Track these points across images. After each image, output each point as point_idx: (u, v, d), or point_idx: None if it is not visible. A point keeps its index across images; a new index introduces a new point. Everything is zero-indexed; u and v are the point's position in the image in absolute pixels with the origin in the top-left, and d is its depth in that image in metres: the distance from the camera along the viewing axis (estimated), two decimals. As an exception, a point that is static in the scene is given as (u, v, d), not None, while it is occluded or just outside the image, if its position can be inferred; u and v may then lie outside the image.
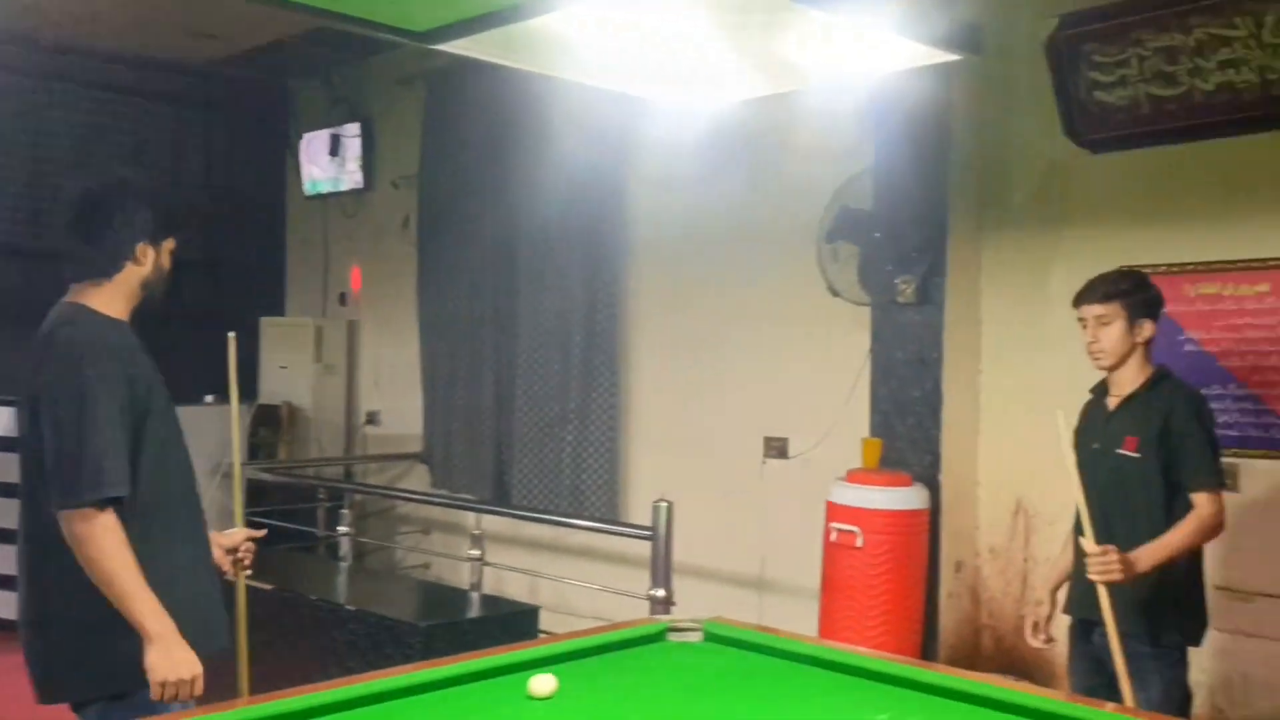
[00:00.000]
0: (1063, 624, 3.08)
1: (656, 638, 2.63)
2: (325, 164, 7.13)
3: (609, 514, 5.60)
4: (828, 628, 4.06)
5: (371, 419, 7.13)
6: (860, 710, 2.18)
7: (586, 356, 5.70)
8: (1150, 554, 2.67)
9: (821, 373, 4.79)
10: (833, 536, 4.08)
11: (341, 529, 5.16)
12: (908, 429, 4.33)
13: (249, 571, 2.75)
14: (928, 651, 4.11)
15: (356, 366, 7.26)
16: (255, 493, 5.92)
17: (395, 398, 6.95)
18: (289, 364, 7.08)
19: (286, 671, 4.12)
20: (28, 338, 2.42)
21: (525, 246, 5.96)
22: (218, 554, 2.61)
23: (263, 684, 4.30)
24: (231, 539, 2.69)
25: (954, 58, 3.19)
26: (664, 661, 2.52)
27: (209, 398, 6.43)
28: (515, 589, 5.64)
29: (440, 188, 6.44)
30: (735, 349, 5.21)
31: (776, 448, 5.01)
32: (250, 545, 2.70)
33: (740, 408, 5.16)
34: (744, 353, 5.17)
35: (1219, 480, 2.77)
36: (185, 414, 6.06)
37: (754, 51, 3.06)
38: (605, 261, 5.64)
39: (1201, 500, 2.73)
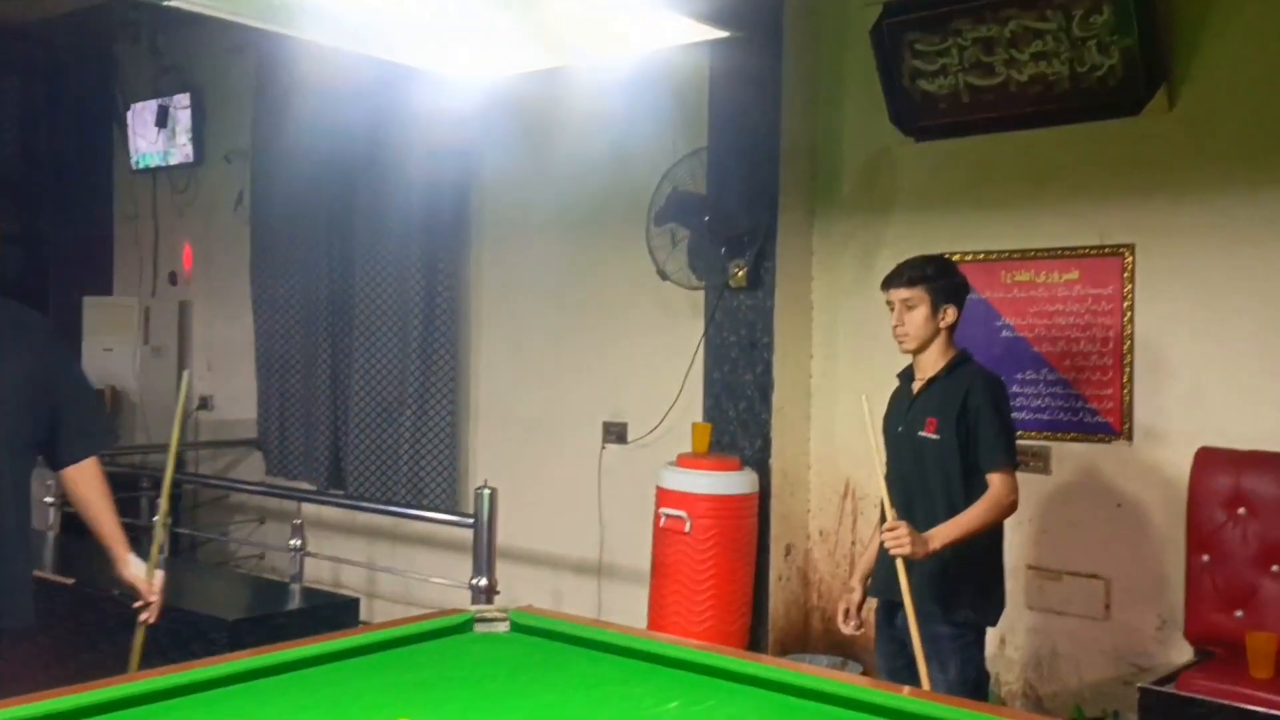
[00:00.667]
0: (873, 608, 3.11)
1: (463, 628, 2.55)
2: (153, 136, 6.76)
3: (448, 501, 5.47)
4: (657, 613, 4.04)
5: (205, 403, 6.81)
6: (654, 697, 2.14)
7: (425, 339, 5.54)
8: (943, 532, 2.71)
9: (659, 357, 4.76)
10: (662, 522, 4.05)
11: (155, 519, 4.87)
12: (739, 413, 4.34)
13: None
14: (757, 634, 4.13)
15: (188, 349, 6.93)
16: (70, 482, 5.57)
17: (229, 381, 6.66)
18: (113, 346, 6.71)
19: (85, 670, 3.89)
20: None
21: (361, 226, 5.76)
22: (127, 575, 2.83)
23: (61, 684, 4.06)
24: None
25: (720, 34, 3.21)
26: (466, 652, 2.44)
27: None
28: (352, 580, 5.48)
29: (273, 163, 6.16)
30: (574, 333, 5.14)
31: (616, 432, 4.97)
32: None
33: (580, 392, 5.10)
34: (583, 337, 5.10)
35: (1012, 461, 2.83)
36: None
37: (526, 24, 3.02)
38: (444, 241, 5.49)
39: (995, 480, 2.78)
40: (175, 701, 2.01)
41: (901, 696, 2.10)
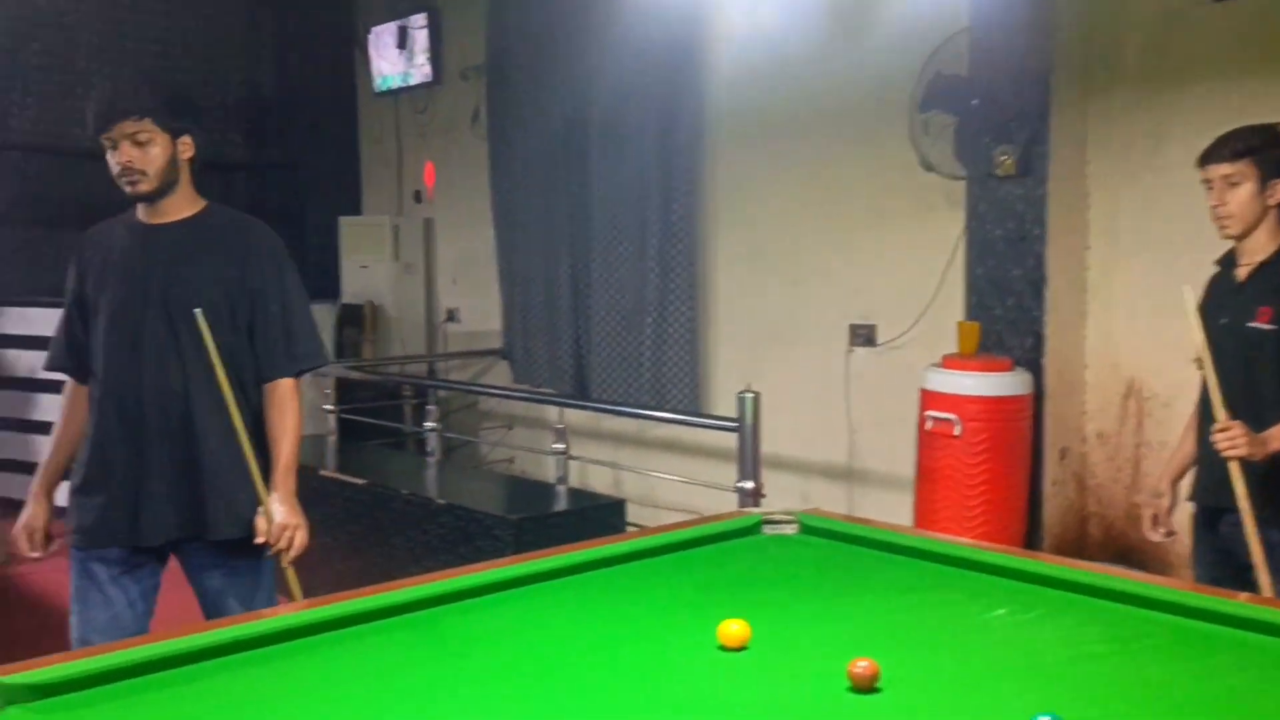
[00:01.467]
0: (1184, 514, 2.87)
1: (751, 531, 2.50)
2: (394, 58, 6.94)
3: (690, 406, 5.46)
4: (925, 519, 3.90)
5: (451, 316, 7.06)
6: (977, 603, 2.02)
7: (664, 244, 5.50)
8: (1280, 433, 2.44)
9: (911, 255, 4.53)
10: (928, 425, 3.89)
11: (429, 425, 5.12)
12: (1007, 310, 4.08)
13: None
14: (1032, 541, 3.93)
15: (434, 264, 7.17)
16: (343, 390, 5.92)
17: (474, 294, 6.86)
18: (368, 263, 7.02)
19: (381, 565, 4.15)
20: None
21: (597, 133, 5.73)
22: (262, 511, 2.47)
23: (359, 577, 4.33)
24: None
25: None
26: (761, 555, 2.39)
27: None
28: (599, 483, 5.59)
29: (509, 77, 6.20)
30: (817, 234, 4.96)
31: (863, 335, 4.80)
32: (290, 534, 2.47)
33: (824, 295, 4.94)
34: (826, 237, 4.92)
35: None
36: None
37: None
38: (680, 143, 5.39)
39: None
40: (468, 603, 2.02)
41: (1251, 605, 1.91)
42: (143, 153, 2.40)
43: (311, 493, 4.55)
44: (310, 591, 2.33)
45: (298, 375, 2.54)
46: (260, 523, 2.42)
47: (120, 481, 2.47)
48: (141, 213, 2.51)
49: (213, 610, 2.52)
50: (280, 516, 2.43)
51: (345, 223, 7.20)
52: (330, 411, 5.58)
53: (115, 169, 2.42)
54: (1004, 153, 3.92)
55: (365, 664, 1.77)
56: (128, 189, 2.43)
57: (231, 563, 2.52)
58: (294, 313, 2.52)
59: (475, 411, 6.84)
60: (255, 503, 2.45)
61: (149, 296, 2.43)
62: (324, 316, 6.27)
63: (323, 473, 4.61)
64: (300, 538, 2.46)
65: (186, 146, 2.47)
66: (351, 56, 7.47)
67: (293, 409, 2.52)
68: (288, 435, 2.49)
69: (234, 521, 2.48)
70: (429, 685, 1.68)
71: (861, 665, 1.59)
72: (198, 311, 2.39)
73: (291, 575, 2.48)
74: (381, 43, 7.01)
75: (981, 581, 2.13)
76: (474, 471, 5.58)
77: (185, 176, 2.49)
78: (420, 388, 6.08)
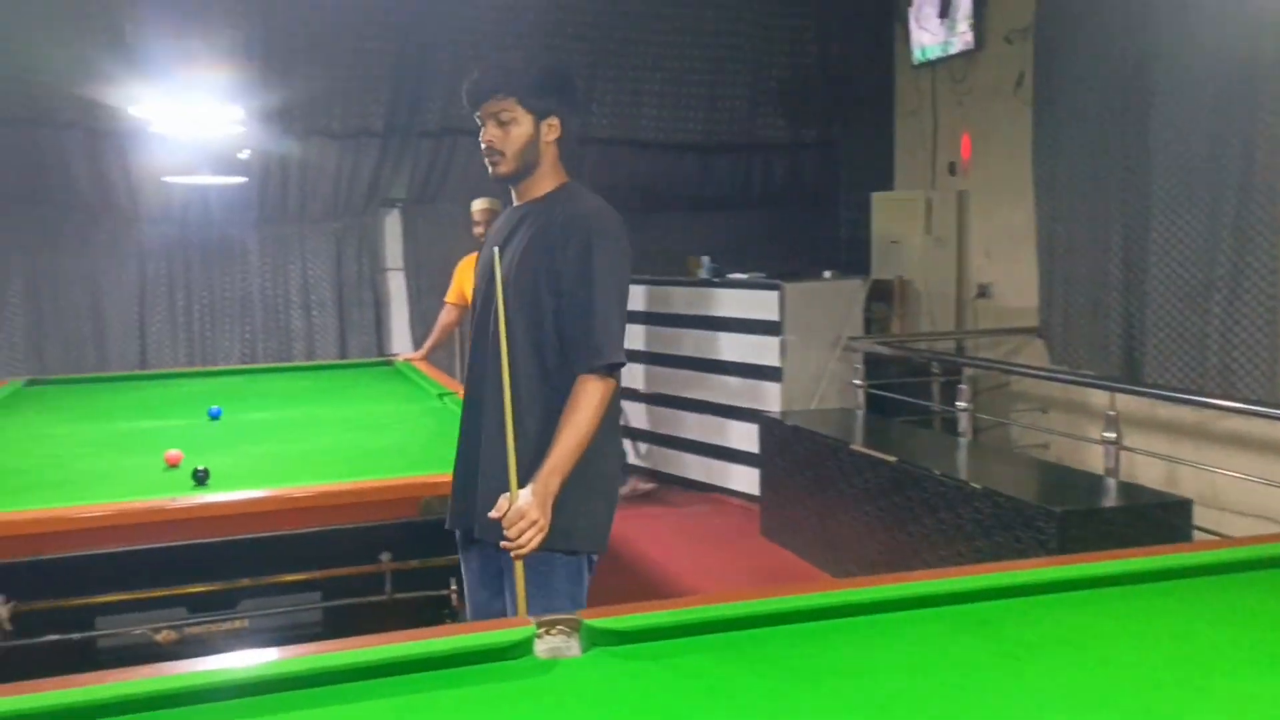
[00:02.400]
0: None
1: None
2: (935, 27, 6.79)
3: (1266, 395, 4.74)
4: None
5: (983, 292, 6.80)
6: None
7: (1240, 211, 4.81)
8: None
9: None
10: None
11: (960, 404, 4.98)
12: None
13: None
14: None
15: (966, 238, 6.94)
16: (871, 366, 5.96)
17: (1007, 269, 6.54)
18: (899, 238, 6.98)
19: (909, 545, 4.12)
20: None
21: (1162, 85, 5.14)
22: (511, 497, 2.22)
23: (885, 556, 4.33)
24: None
25: None
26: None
27: (827, 274, 6.58)
28: (1149, 477, 5.06)
29: (1060, 36, 5.78)
30: None
31: None
32: (524, 525, 2.16)
33: None
34: None
35: None
36: (805, 290, 6.21)
37: None
38: (1267, 93, 4.65)
39: None
40: (1015, 601, 1.89)
41: None
42: (504, 133, 2.33)
43: (839, 467, 4.69)
44: (838, 568, 2.31)
45: (592, 372, 2.25)
46: (502, 500, 2.18)
47: (462, 463, 2.47)
48: (513, 194, 2.45)
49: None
50: (523, 504, 2.16)
51: (877, 198, 7.22)
52: (859, 386, 5.64)
53: (482, 148, 2.36)
54: None
55: (906, 654, 1.74)
56: (489, 169, 2.37)
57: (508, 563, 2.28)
58: (594, 305, 2.26)
59: (1006, 392, 6.53)
60: (597, 509, 2.31)
61: (495, 281, 2.31)
62: (853, 292, 6.34)
63: (852, 447, 4.67)
64: (536, 539, 2.15)
65: (552, 128, 2.36)
66: (890, 30, 7.44)
67: (582, 406, 2.23)
68: (564, 432, 2.21)
69: (491, 523, 2.24)
70: (984, 686, 1.61)
71: None
72: (499, 296, 2.27)
73: (520, 577, 2.20)
74: (923, 13, 6.89)
75: None
76: (1008, 455, 5.33)
77: (549, 158, 2.38)
78: (950, 365, 5.94)
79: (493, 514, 2.18)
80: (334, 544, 2.86)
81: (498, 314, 2.28)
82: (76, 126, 6.16)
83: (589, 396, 2.24)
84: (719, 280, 6.47)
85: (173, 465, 3.23)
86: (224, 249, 6.74)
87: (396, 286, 7.16)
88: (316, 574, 2.89)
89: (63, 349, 6.44)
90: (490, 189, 6.32)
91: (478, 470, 2.36)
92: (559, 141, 2.37)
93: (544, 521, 2.15)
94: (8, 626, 2.64)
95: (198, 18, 5.98)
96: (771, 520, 5.45)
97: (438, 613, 2.89)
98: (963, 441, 4.91)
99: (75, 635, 2.73)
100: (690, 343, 6.46)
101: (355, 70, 6.64)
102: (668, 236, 7.33)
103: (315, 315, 6.90)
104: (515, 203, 2.43)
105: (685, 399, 6.51)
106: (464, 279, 5.59)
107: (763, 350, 6.06)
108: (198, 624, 2.80)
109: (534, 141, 2.34)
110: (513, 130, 2.32)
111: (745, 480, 6.13)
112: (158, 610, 2.81)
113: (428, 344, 5.84)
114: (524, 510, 2.13)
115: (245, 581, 2.86)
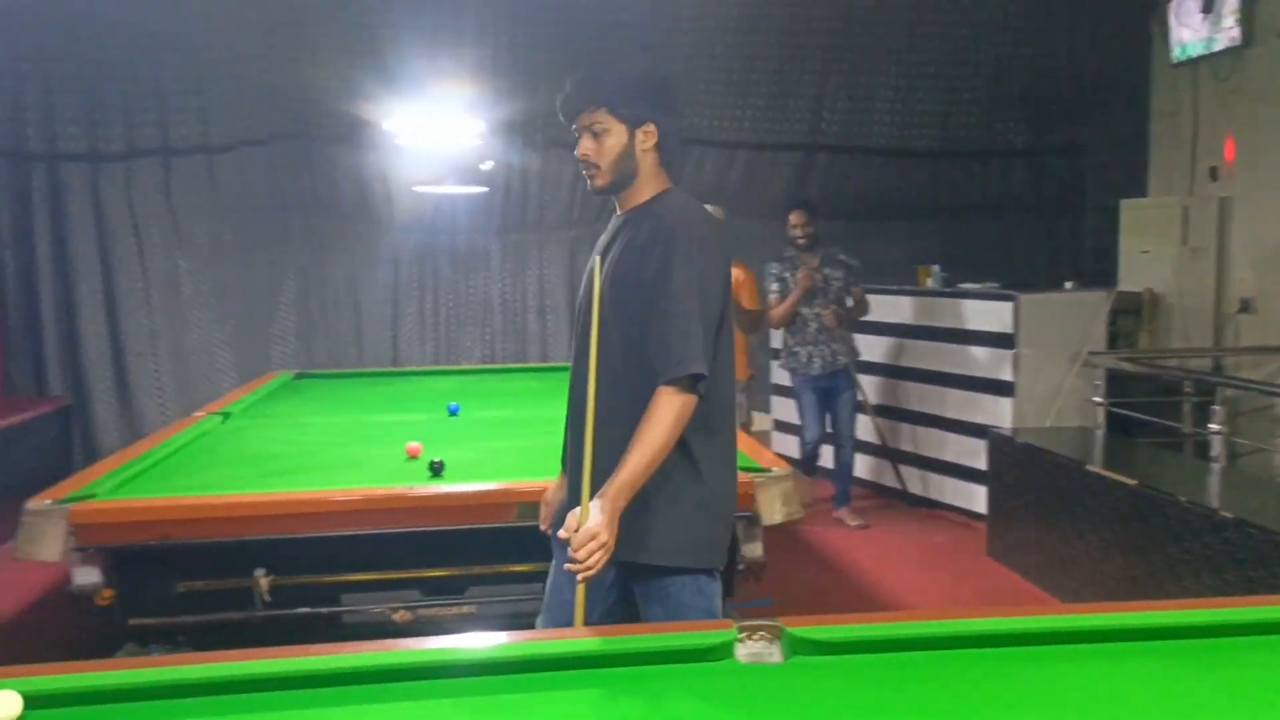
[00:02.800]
0: None
1: None
2: (1198, 23, 6.31)
3: None
4: None
5: (1245, 306, 6.25)
6: None
7: None
8: None
9: None
10: None
11: (1213, 426, 4.61)
12: None
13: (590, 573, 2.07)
14: None
15: (1227, 248, 6.41)
16: (1114, 383, 5.61)
17: (1275, 281, 5.99)
18: (1151, 248, 6.53)
19: (1146, 573, 3.85)
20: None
21: None
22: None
23: (1118, 583, 4.07)
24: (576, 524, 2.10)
25: None
26: None
27: (1068, 284, 6.24)
28: None
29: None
30: None
31: None
32: (593, 547, 2.04)
33: None
34: None
35: None
36: (1042, 301, 5.95)
37: None
38: None
39: None
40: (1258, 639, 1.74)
41: None
42: (598, 145, 2.27)
43: (1074, 488, 4.44)
44: (1069, 594, 2.20)
45: (670, 385, 2.14)
46: (571, 519, 2.09)
47: (569, 474, 2.42)
48: (615, 204, 2.39)
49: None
50: (592, 525, 2.05)
51: (1127, 206, 6.78)
52: (1099, 404, 5.31)
53: (579, 161, 2.31)
54: None
55: (1127, 688, 1.64)
56: (588, 183, 2.33)
57: (663, 591, 2.25)
58: (671, 315, 2.16)
59: (1269, 416, 5.98)
60: (701, 526, 2.24)
61: (595, 290, 2.27)
62: (1096, 305, 5.98)
63: (1088, 468, 4.41)
64: (602, 560, 2.05)
65: (648, 135, 2.28)
66: (1146, 27, 6.97)
67: (656, 419, 2.13)
68: (636, 446, 2.11)
69: (657, 545, 2.21)
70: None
71: None
72: (595, 300, 2.23)
73: (580, 598, 2.11)
74: (1183, 9, 6.42)
75: None
76: (1266, 484, 4.88)
77: (648, 166, 2.31)
78: (1204, 385, 5.50)
79: (561, 534, 2.10)
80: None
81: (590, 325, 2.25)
82: (343, 141, 6.69)
83: (663, 410, 2.13)
84: (950, 290, 6.27)
85: (413, 457, 3.46)
86: (469, 255, 7.14)
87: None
88: (541, 566, 3.02)
89: (327, 345, 7.00)
90: (711, 195, 6.43)
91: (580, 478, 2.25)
92: (658, 148, 2.30)
93: (611, 542, 2.06)
94: (267, 598, 2.91)
95: (448, 37, 6.36)
96: (999, 540, 5.23)
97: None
98: (1214, 467, 4.53)
99: (324, 610, 2.97)
100: (917, 354, 6.29)
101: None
102: (896, 245, 7.17)
103: (549, 319, 7.19)
104: (618, 212, 2.38)
105: (909, 411, 6.34)
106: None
107: (995, 364, 5.82)
108: (430, 607, 2.98)
109: (629, 151, 2.28)
110: (606, 141, 2.27)
111: (969, 497, 5.91)
112: (395, 591, 3.02)
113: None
114: (593, 531, 2.04)
115: (475, 569, 3.03)
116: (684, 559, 2.23)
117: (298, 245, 6.95)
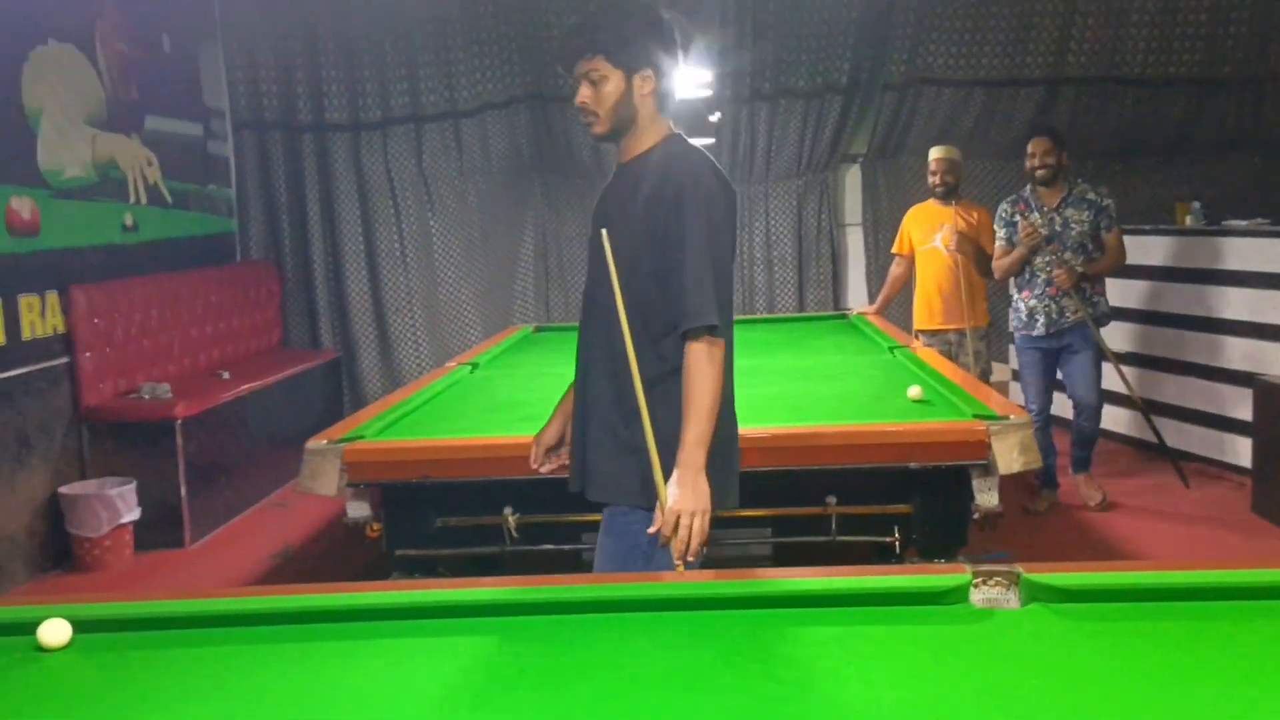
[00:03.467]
0: None
1: None
2: None
3: None
4: None
5: None
6: None
7: None
8: None
9: None
10: None
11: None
12: None
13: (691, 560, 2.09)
14: None
15: None
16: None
17: None
18: None
19: None
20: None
21: None
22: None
23: None
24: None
25: None
26: None
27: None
28: None
29: None
30: None
31: None
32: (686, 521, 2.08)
33: None
34: None
35: None
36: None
37: None
38: None
39: None
40: None
41: None
42: (595, 92, 2.27)
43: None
44: None
45: (694, 338, 2.16)
46: (656, 515, 2.12)
47: (575, 424, 2.43)
48: (618, 151, 2.40)
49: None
50: (672, 500, 2.08)
51: None
52: None
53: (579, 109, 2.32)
54: None
55: None
56: (588, 130, 2.34)
57: (608, 524, 2.33)
58: (685, 266, 2.16)
59: None
60: (636, 469, 2.22)
61: (596, 238, 2.30)
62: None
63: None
64: (699, 525, 2.07)
65: (646, 81, 2.27)
66: None
67: (698, 374, 2.15)
68: (690, 405, 2.14)
69: (599, 483, 2.30)
70: None
71: None
72: (604, 233, 2.22)
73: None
74: None
75: None
76: None
77: (647, 112, 2.30)
78: None
79: (651, 530, 2.14)
80: (784, 484, 3.01)
81: (599, 278, 2.28)
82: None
83: (698, 362, 2.16)
84: (1213, 228, 5.78)
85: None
86: (696, 207, 7.19)
87: (854, 241, 7.23)
88: (768, 511, 3.07)
89: (564, 299, 7.28)
90: (951, 138, 6.17)
91: (587, 435, 2.35)
92: (657, 93, 2.29)
93: (701, 504, 2.09)
94: (515, 534, 3.10)
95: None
96: (1266, 496, 4.84)
97: (878, 561, 2.95)
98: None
99: (566, 546, 3.14)
100: (1173, 298, 5.86)
101: (822, 28, 6.74)
102: (1148, 182, 6.67)
103: (776, 270, 7.16)
104: (620, 160, 2.37)
105: (1163, 359, 5.92)
106: (911, 229, 5.53)
107: (1264, 307, 5.34)
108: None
109: (627, 97, 2.27)
110: (604, 89, 2.26)
111: (1232, 450, 5.48)
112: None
113: (880, 298, 5.86)
114: (676, 511, 2.07)
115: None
116: (614, 496, 2.29)
117: (535, 204, 7.24)
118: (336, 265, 7.03)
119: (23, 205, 4.70)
